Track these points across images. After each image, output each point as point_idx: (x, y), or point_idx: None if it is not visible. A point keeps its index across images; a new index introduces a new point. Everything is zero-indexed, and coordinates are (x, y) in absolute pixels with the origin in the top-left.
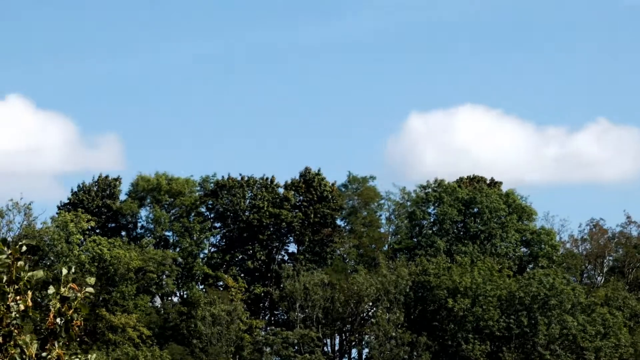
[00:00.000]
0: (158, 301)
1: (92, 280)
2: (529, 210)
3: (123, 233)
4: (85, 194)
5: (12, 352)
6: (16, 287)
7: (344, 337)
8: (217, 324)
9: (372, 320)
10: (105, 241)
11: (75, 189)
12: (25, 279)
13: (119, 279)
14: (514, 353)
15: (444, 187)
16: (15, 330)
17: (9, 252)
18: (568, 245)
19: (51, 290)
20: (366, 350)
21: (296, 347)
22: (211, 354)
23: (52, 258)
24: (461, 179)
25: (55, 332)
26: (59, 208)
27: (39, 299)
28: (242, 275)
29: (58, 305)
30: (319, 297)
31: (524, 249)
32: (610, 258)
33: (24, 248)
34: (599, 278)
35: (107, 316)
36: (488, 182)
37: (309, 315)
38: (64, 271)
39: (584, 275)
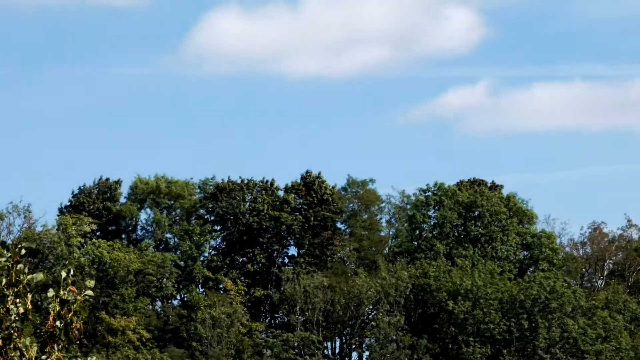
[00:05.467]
0: (158, 304)
1: (91, 283)
2: (530, 213)
3: (123, 236)
4: (86, 197)
5: (12, 354)
6: (16, 290)
7: (344, 340)
8: (217, 327)
9: (373, 323)
10: (105, 244)
11: (77, 192)
12: (25, 281)
13: (119, 282)
14: (515, 356)
15: (444, 190)
16: (15, 333)
17: (9, 255)
18: (568, 249)
19: (51, 293)
20: (367, 353)
21: (296, 350)
22: (211, 356)
23: (52, 261)
24: (462, 182)
25: (54, 335)
26: (60, 210)
27: (38, 302)
28: (242, 278)
29: (58, 308)
30: (319, 300)
31: (524, 252)
32: (611, 261)
33: (23, 251)
34: (599, 281)
35: (107, 319)
36: (489, 185)
37: (309, 318)
38: (63, 274)
39: (585, 278)
